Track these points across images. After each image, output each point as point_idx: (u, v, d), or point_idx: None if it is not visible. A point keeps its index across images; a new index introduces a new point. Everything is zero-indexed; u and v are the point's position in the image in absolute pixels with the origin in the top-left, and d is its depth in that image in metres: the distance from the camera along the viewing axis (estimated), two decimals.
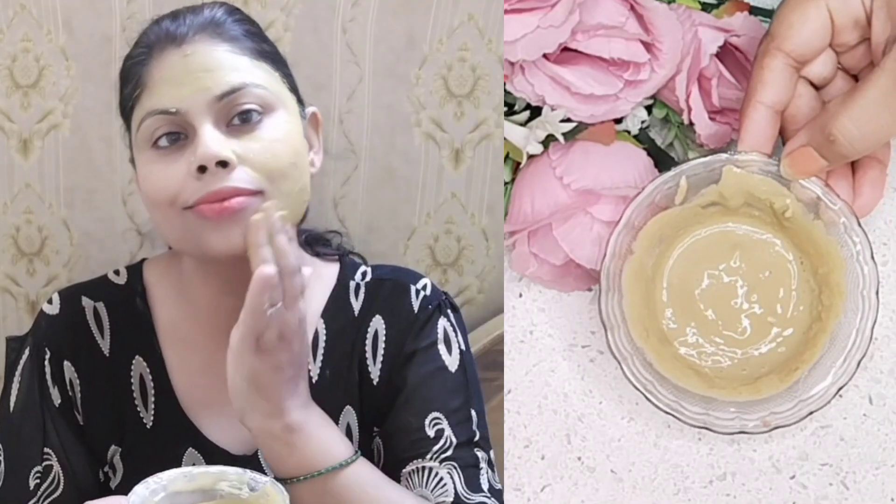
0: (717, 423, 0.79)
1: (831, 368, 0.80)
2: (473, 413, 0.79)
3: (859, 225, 0.79)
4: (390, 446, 0.77)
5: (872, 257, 0.79)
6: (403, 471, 0.77)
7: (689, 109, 0.81)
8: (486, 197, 0.99)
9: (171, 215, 0.72)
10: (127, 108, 0.76)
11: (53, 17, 0.93)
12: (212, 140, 0.71)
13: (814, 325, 0.82)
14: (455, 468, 0.77)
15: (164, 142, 0.72)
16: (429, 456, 0.76)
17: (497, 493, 0.78)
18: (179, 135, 0.72)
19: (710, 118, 0.83)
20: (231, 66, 0.73)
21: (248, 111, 0.72)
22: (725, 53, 0.83)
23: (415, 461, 0.77)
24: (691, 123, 0.82)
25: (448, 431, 0.77)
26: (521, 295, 0.88)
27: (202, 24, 0.74)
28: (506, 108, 0.84)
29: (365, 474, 0.73)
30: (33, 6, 0.93)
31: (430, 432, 0.77)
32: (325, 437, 0.72)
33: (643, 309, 0.82)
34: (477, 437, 0.79)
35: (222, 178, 0.70)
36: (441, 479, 0.76)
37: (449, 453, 0.77)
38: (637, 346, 0.81)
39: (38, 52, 0.94)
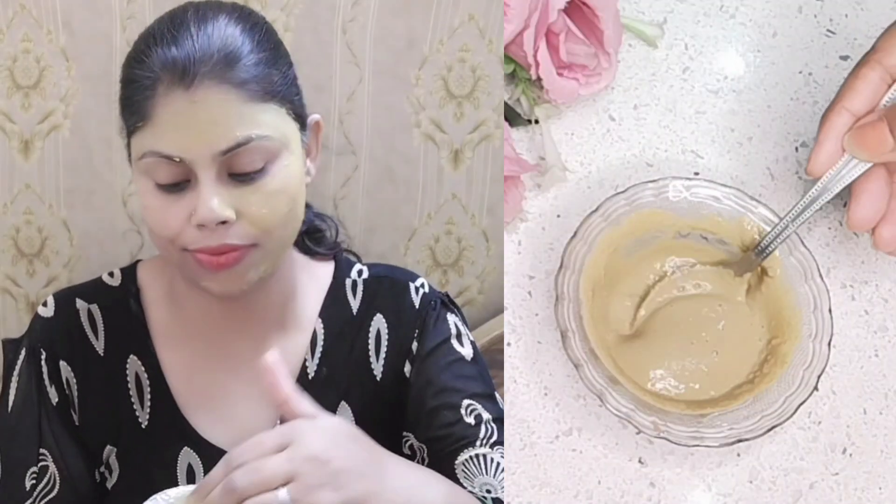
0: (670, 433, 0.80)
1: (791, 385, 0.81)
2: (497, 395, 0.81)
3: (804, 245, 0.80)
4: (437, 446, 0.78)
5: (821, 276, 0.80)
6: (457, 461, 0.77)
7: (537, 65, 0.80)
8: (486, 197, 0.98)
9: (170, 249, 0.74)
10: (128, 126, 0.74)
11: (53, 17, 0.93)
12: (213, 198, 0.71)
13: (769, 356, 0.84)
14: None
15: (164, 179, 0.72)
16: (478, 443, 0.77)
17: None
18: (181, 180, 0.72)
19: (558, 73, 0.81)
20: (238, 116, 0.71)
21: (252, 162, 0.72)
22: (573, 9, 0.82)
23: (466, 450, 0.77)
24: (539, 79, 0.81)
25: (486, 415, 0.78)
26: (521, 295, 0.88)
27: (212, 57, 0.71)
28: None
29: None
30: (33, 6, 0.93)
31: (470, 419, 0.78)
32: None
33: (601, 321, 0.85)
34: (503, 417, 0.80)
35: (221, 235, 0.72)
36: (499, 464, 0.77)
37: (495, 437, 0.78)
38: (595, 353, 0.82)
39: (38, 52, 0.94)
